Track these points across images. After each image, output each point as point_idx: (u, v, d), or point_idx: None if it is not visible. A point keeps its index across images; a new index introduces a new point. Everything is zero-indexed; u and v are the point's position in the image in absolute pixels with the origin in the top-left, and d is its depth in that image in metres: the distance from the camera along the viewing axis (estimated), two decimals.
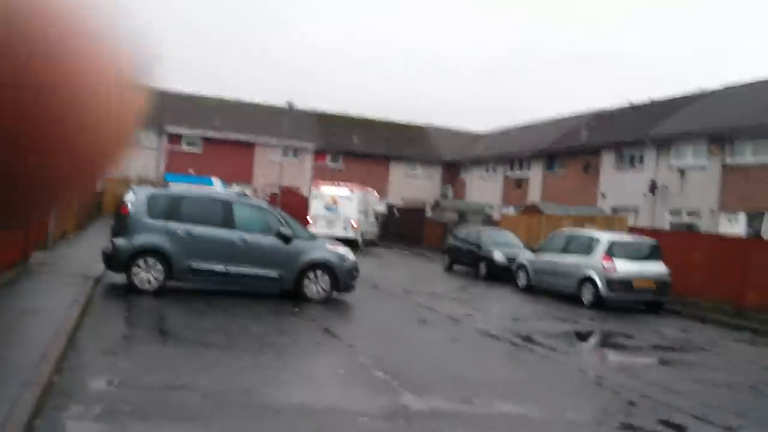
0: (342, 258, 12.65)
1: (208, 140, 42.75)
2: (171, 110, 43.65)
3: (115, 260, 11.57)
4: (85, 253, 15.22)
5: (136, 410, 5.31)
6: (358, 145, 45.97)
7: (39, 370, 5.74)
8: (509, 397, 6.90)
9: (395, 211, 40.88)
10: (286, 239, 12.21)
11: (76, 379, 6.04)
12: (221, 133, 43.03)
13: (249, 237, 12.02)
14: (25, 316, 8.09)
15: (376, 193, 30.80)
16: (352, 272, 12.75)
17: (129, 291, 11.35)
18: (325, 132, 46.15)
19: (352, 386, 6.76)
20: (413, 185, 46.00)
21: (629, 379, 8.27)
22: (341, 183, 31.88)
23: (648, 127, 30.29)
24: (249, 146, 43.64)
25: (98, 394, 5.76)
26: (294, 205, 39.00)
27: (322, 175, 44.49)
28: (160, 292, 11.45)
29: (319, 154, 45.15)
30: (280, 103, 42.80)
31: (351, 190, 29.82)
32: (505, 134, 45.33)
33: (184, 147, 42.47)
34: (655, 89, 77.48)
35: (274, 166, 40.62)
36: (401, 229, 38.31)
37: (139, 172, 39.99)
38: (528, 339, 10.60)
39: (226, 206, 12.22)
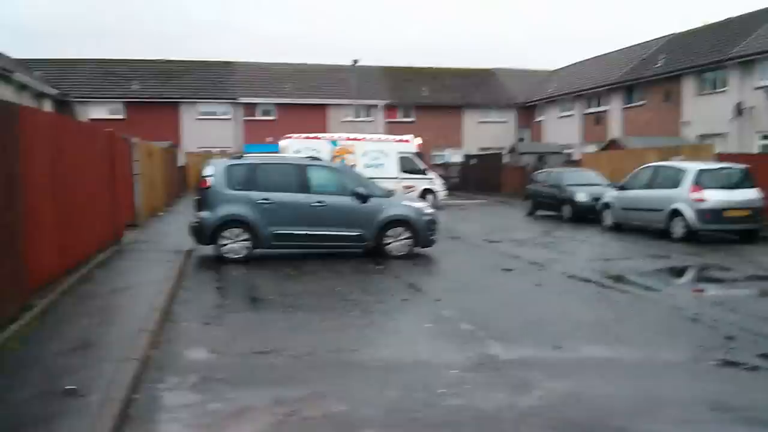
0: (420, 212, 12.64)
1: (281, 106, 43.28)
2: (242, 81, 44.43)
3: (201, 233, 11.97)
4: (175, 228, 15.81)
5: (229, 377, 5.51)
6: (428, 96, 45.48)
7: (135, 345, 6.03)
8: (600, 341, 6.76)
9: (471, 159, 40.36)
10: (363, 198, 12.28)
11: (172, 351, 6.31)
12: (293, 98, 43.47)
13: (326, 199, 12.16)
14: (121, 294, 8.50)
15: (410, 139, 24.93)
16: (431, 226, 12.73)
17: (219, 262, 11.75)
18: (394, 86, 45.85)
19: (439, 340, 6.78)
20: (488, 132, 45.22)
21: (727, 312, 7.94)
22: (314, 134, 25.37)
23: (728, 47, 28.53)
24: (321, 108, 43.94)
25: (193, 364, 6.00)
26: None
27: (394, 129, 44.38)
28: (249, 260, 11.79)
29: (390, 109, 44.95)
30: (347, 63, 42.65)
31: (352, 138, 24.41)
32: (579, 69, 43.74)
33: (259, 116, 43.17)
34: (730, 7, 72.43)
35: (348, 126, 40.74)
36: (479, 178, 37.88)
37: (216, 143, 41.15)
38: (618, 279, 10.33)
39: (302, 170, 12.37)
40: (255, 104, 43.42)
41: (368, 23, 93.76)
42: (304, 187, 12.22)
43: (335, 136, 24.79)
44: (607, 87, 36.65)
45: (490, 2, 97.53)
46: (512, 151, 36.71)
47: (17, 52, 39.16)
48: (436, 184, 25.13)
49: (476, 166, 39.26)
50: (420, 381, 5.48)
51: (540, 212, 22.48)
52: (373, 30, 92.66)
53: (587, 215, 19.12)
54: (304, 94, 43.86)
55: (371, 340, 6.78)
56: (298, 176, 12.30)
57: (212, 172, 12.12)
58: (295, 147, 22.66)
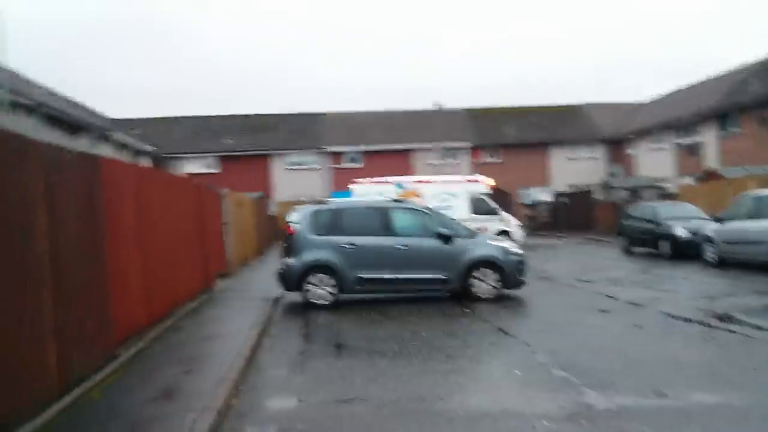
0: (507, 252, 12.28)
1: (367, 153, 43.89)
2: (329, 131, 45.47)
3: (288, 279, 12.05)
4: (264, 276, 16.02)
5: (310, 427, 5.35)
6: (513, 135, 44.98)
7: (216, 394, 5.98)
8: (707, 386, 6.20)
9: (561, 197, 39.35)
10: (447, 239, 12.07)
11: (254, 400, 6.23)
12: (378, 144, 44.02)
13: (410, 241, 12.02)
14: (207, 342, 8.56)
15: (481, 179, 24.12)
16: (520, 266, 12.33)
17: (305, 308, 11.76)
18: (479, 127, 45.67)
19: (530, 387, 6.40)
20: (576, 168, 44.10)
21: None
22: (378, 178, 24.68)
23: None
24: (406, 153, 44.21)
25: (274, 413, 5.89)
26: None
27: (480, 171, 44.04)
28: (335, 306, 11.75)
29: (475, 150, 44.71)
30: (429, 107, 42.94)
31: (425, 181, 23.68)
32: (670, 99, 42.22)
33: (346, 163, 43.88)
34: None
35: (433, 169, 40.78)
36: (570, 215, 36.86)
37: (306, 192, 42.02)
38: (724, 318, 9.59)
39: (384, 213, 12.30)
40: (341, 153, 44.23)
41: (450, 67, 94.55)
42: (388, 229, 12.15)
43: (402, 179, 24.08)
44: (700, 116, 35.11)
45: (573, 36, 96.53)
46: (604, 186, 35.60)
47: (116, 113, 41.78)
48: (512, 224, 23.90)
49: (567, 203, 38.25)
50: None
51: (635, 249, 21.50)
52: (455, 72, 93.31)
53: (687, 251, 18.10)
54: (389, 140, 44.34)
55: (457, 387, 6.47)
56: (381, 219, 12.24)
57: (297, 218, 12.25)
58: (361, 192, 22.17)
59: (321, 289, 11.85)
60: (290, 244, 12.13)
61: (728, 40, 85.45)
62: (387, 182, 23.25)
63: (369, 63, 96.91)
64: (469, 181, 23.61)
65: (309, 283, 11.88)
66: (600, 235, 30.28)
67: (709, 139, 34.66)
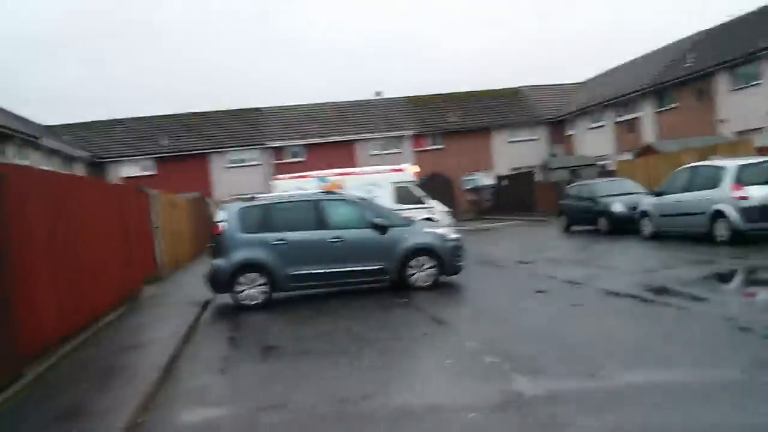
0: (443, 239, 11.98)
1: (309, 147, 43.25)
2: (269, 126, 44.64)
3: (217, 281, 11.52)
4: (198, 279, 15.22)
5: None
6: (455, 121, 44.97)
7: (123, 411, 5.50)
8: (641, 364, 5.97)
9: (503, 181, 39.54)
10: (382, 229, 11.71)
11: (166, 414, 5.75)
12: (320, 137, 43.44)
13: (344, 233, 11.61)
14: (124, 354, 8.01)
15: (404, 167, 23.36)
16: (457, 252, 12.06)
17: (237, 310, 11.25)
18: (420, 115, 45.52)
19: (458, 377, 6.09)
20: (519, 151, 44.37)
21: None
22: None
23: (761, 39, 27.40)
24: (349, 144, 43.75)
25: (185, 428, 5.43)
26: None
27: (423, 158, 43.91)
28: (268, 306, 11.28)
29: (417, 137, 44.54)
30: (370, 97, 42.57)
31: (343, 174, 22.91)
32: (607, 77, 42.83)
33: (288, 158, 43.15)
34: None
35: (376, 159, 40.44)
36: (512, 198, 37.02)
37: (248, 190, 41.16)
38: (660, 291, 9.50)
39: (316, 206, 11.86)
40: (283, 147, 43.50)
41: (389, 57, 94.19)
42: (320, 223, 11.70)
43: (324, 172, 23.09)
44: (637, 93, 35.64)
45: (507, 21, 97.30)
46: (544, 167, 35.84)
47: (49, 119, 40.18)
48: (438, 212, 22.56)
49: (508, 186, 38.43)
50: (434, 430, 4.81)
51: (576, 227, 21.58)
52: (394, 62, 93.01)
53: (625, 226, 18.19)
54: (331, 132, 43.82)
55: (383, 384, 6.10)
56: (312, 213, 11.79)
57: (225, 216, 11.70)
58: (283, 188, 21.35)
59: (252, 289, 11.33)
60: (218, 243, 11.59)
61: (668, 14, 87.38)
62: (309, 176, 22.43)
63: (307, 55, 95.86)
64: (393, 170, 22.97)
65: (239, 283, 11.35)
66: (541, 215, 30.43)
67: (647, 114, 35.23)
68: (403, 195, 21.43)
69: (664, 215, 15.93)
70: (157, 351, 7.97)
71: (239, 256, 11.36)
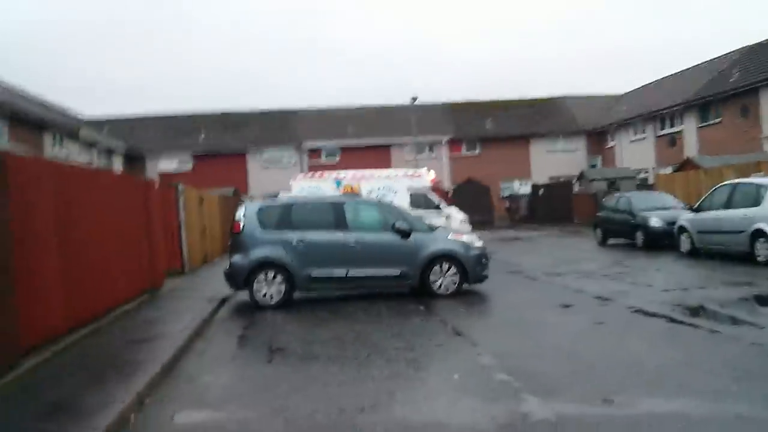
0: (467, 247, 11.64)
1: (344, 149, 43.19)
2: (305, 127, 44.69)
3: (235, 278, 11.36)
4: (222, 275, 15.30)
5: None
6: (492, 128, 44.48)
7: (113, 409, 5.30)
8: (660, 391, 5.55)
9: (540, 190, 38.83)
10: (404, 234, 11.41)
11: (157, 415, 5.54)
12: (356, 139, 43.34)
13: (365, 237, 11.36)
14: (130, 348, 7.85)
15: (422, 173, 22.84)
16: (482, 260, 11.70)
17: (254, 308, 11.07)
18: (457, 121, 45.10)
19: (465, 394, 5.75)
20: (557, 161, 43.67)
21: None
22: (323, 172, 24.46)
23: None
24: (385, 148, 43.61)
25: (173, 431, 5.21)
26: None
27: (458, 164, 43.44)
28: (286, 305, 11.08)
29: (454, 144, 44.12)
30: (407, 102, 42.09)
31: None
32: (650, 90, 41.84)
33: (323, 159, 43.14)
34: None
35: (411, 164, 40.14)
36: (548, 208, 36.32)
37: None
38: (692, 312, 9.02)
39: (338, 208, 11.62)
40: (318, 148, 43.55)
41: (428, 61, 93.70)
42: (342, 225, 11.46)
43: (340, 174, 22.80)
44: (679, 106, 34.69)
45: (551, 29, 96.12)
46: (582, 178, 35.09)
47: (89, 112, 40.81)
48: (454, 219, 21.96)
49: (545, 196, 37.74)
50: None
51: (612, 240, 20.96)
52: (433, 67, 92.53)
53: (662, 241, 17.58)
54: (366, 135, 43.67)
55: (386, 396, 5.80)
56: (334, 214, 11.55)
57: (244, 214, 11.53)
58: (300, 187, 21.23)
59: (270, 288, 11.14)
60: (237, 241, 11.43)
61: (711, 30, 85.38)
62: (325, 177, 22.26)
63: (344, 58, 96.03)
64: (410, 176, 22.50)
65: (257, 281, 11.16)
66: (578, 226, 29.76)
67: (689, 129, 34.28)
68: (419, 201, 20.89)
69: (703, 231, 15.31)
70: (164, 345, 7.79)
71: (258, 254, 11.18)
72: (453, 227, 20.93)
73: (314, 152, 43.65)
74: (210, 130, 44.40)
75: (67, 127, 30.66)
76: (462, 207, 38.67)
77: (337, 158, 42.97)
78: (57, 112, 32.73)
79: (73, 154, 31.24)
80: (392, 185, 21.17)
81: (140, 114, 45.53)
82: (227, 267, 11.56)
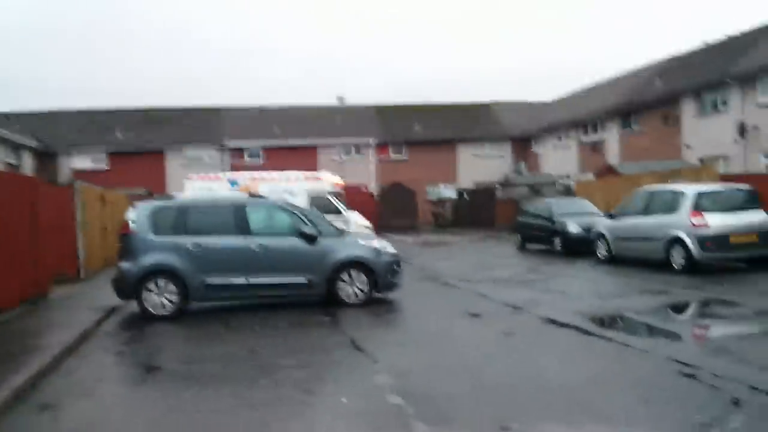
0: (378, 253, 11.02)
1: (269, 149, 42.09)
2: (228, 126, 43.35)
3: (123, 286, 10.40)
4: None
5: None
6: (420, 132, 44.23)
7: None
8: (563, 414, 5.06)
9: (464, 194, 38.77)
10: (311, 239, 10.70)
11: None
12: (281, 140, 42.31)
13: (267, 241, 10.58)
14: None
15: (323, 176, 22.33)
16: (393, 267, 11.11)
17: (144, 320, 10.14)
18: (385, 124, 44.66)
19: (350, 422, 5.12)
20: (484, 166, 43.76)
21: (733, 364, 6.25)
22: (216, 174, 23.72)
23: (728, 66, 27.10)
24: (310, 149, 42.73)
25: None
26: (360, 202, 37.73)
27: (386, 167, 43.04)
28: (179, 316, 10.20)
29: (381, 147, 43.65)
30: (333, 102, 41.67)
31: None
32: (575, 98, 42.44)
33: (247, 159, 41.93)
34: (729, 25, 72.05)
35: (338, 165, 39.46)
36: (472, 212, 36.30)
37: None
38: (604, 323, 8.71)
39: (239, 210, 10.80)
40: (242, 149, 42.30)
41: (355, 62, 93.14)
42: (242, 228, 10.64)
43: (236, 175, 21.89)
44: (603, 114, 35.23)
45: (480, 36, 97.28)
46: (505, 183, 35.18)
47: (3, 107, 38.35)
48: (355, 225, 20.59)
49: (469, 200, 37.70)
50: None
51: (531, 246, 20.82)
52: (361, 69, 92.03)
53: (580, 247, 17.47)
54: (292, 135, 42.70)
55: (261, 425, 5.11)
56: (234, 216, 10.71)
57: (135, 216, 10.58)
58: (192, 188, 20.20)
59: (161, 298, 10.23)
60: (126, 245, 10.47)
61: (634, 39, 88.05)
62: (220, 178, 21.23)
63: (273, 59, 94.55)
64: (310, 178, 21.73)
65: (147, 290, 10.22)
66: (500, 231, 29.72)
67: (612, 136, 34.83)
68: (319, 204, 20.00)
69: (620, 238, 15.22)
70: (27, 363, 6.85)
71: (148, 260, 10.25)
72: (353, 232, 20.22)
73: (238, 152, 42.36)
74: (128, 127, 42.48)
75: None
76: (387, 211, 38.61)
77: (261, 159, 41.82)
78: None
79: None
80: (291, 188, 20.28)
81: (54, 108, 43.21)
82: (115, 274, 10.59)
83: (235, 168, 40.95)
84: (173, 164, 41.57)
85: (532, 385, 5.91)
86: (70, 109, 43.42)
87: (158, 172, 40.93)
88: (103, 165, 40.39)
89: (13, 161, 34.26)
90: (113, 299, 11.17)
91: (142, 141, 41.32)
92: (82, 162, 40.29)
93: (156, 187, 37.11)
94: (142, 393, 6.27)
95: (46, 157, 39.17)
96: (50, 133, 40.41)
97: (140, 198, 26.96)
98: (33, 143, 37.12)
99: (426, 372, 6.52)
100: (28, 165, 36.38)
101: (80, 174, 38.88)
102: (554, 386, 5.86)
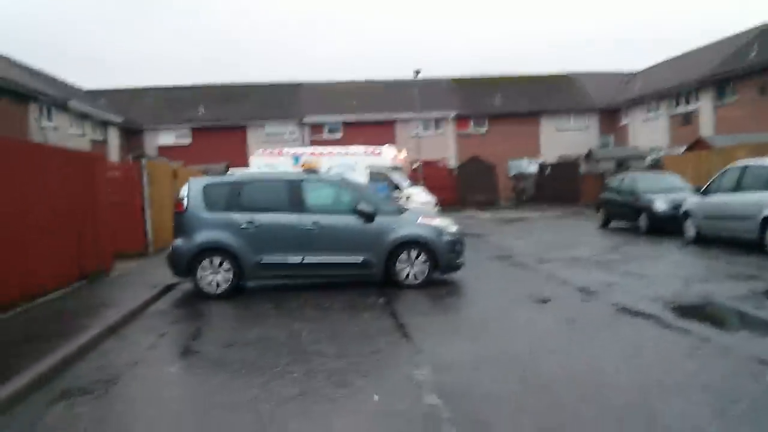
0: (439, 232, 10.39)
1: (347, 124, 41.86)
2: (308, 101, 43.36)
3: (177, 264, 10.22)
4: None
5: None
6: (500, 105, 42.85)
7: None
8: (619, 425, 4.34)
9: (547, 169, 37.31)
10: (368, 217, 10.19)
11: None
12: (359, 114, 41.96)
13: (323, 219, 10.14)
14: (19, 347, 6.72)
15: (384, 150, 21.07)
16: (455, 247, 10.47)
17: (198, 297, 9.95)
18: (464, 97, 43.53)
19: (377, 425, 4.57)
20: (568, 139, 42.02)
21: None
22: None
23: None
24: (388, 124, 42.20)
25: None
26: (438, 177, 36.98)
27: (465, 141, 42.03)
28: (234, 294, 9.96)
29: (460, 120, 42.60)
30: (410, 76, 40.59)
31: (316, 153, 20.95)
32: (665, 67, 39.92)
33: (326, 135, 41.86)
34: None
35: (416, 140, 38.79)
36: (554, 188, 34.87)
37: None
38: (684, 312, 7.75)
39: (294, 186, 10.39)
40: (320, 124, 42.24)
41: (435, 35, 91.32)
42: (298, 205, 10.24)
43: (299, 150, 21.49)
44: (695, 84, 32.93)
45: (562, 5, 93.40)
46: (588, 157, 33.55)
47: (88, 83, 39.66)
48: (417, 201, 19.72)
49: (552, 175, 36.25)
50: None
51: (614, 224, 19.61)
52: (440, 41, 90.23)
53: (667, 226, 16.22)
54: (369, 110, 42.27)
55: (280, 423, 4.64)
56: (290, 193, 10.33)
57: (188, 192, 10.35)
58: (256, 165, 20.16)
59: (215, 276, 10.00)
60: (179, 222, 10.28)
61: (730, 8, 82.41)
62: (282, 154, 20.89)
63: (349, 32, 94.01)
64: (370, 153, 21.02)
65: (202, 268, 10.01)
66: (583, 208, 28.37)
67: (704, 107, 32.57)
68: (378, 180, 19.34)
69: (710, 217, 13.95)
70: (62, 344, 6.67)
71: (201, 237, 10.02)
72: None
73: (317, 127, 42.34)
74: (210, 102, 43.18)
75: (55, 98, 29.55)
76: (466, 186, 37.68)
77: (340, 134, 41.63)
78: (45, 82, 31.60)
79: (62, 126, 30.21)
80: (351, 163, 19.71)
81: (139, 86, 44.41)
82: (169, 251, 10.42)
83: (314, 143, 40.98)
84: (254, 140, 41.94)
85: (588, 389, 5.18)
86: (154, 86, 44.50)
87: (240, 147, 41.40)
88: (186, 140, 41.25)
89: (99, 137, 35.37)
90: (174, 277, 11.06)
91: (224, 117, 41.90)
92: (167, 138, 41.30)
93: (238, 162, 37.55)
94: (165, 382, 5.93)
95: (131, 134, 40.34)
96: (136, 109, 41.59)
97: (216, 173, 27.28)
98: (119, 120, 38.21)
99: (472, 366, 5.87)
100: (114, 141, 37.52)
101: (165, 149, 39.97)
102: (613, 390, 5.11)
